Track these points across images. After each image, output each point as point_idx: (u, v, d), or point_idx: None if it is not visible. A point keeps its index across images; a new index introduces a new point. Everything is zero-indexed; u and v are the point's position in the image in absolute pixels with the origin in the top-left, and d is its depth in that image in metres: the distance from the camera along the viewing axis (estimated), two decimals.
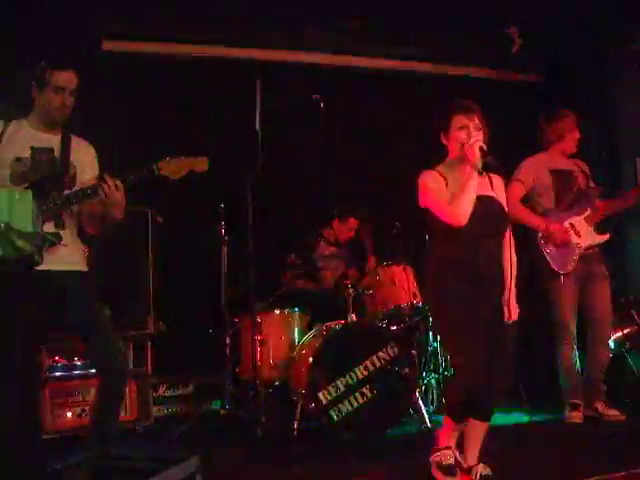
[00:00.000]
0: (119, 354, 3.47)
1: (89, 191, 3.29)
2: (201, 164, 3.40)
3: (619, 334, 5.25)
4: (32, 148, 3.36)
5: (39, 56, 3.42)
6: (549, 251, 4.75)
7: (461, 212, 3.26)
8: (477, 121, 3.37)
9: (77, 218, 3.47)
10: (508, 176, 3.69)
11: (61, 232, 3.30)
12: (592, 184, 4.96)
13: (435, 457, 3.42)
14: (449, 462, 3.38)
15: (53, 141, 3.42)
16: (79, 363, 4.60)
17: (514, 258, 3.49)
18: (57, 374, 4.58)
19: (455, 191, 3.34)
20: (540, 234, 4.76)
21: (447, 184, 3.39)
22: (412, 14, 5.73)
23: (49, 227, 3.26)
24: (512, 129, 6.21)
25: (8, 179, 3.27)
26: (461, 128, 3.36)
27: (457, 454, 3.43)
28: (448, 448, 3.42)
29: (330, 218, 5.90)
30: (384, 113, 6.52)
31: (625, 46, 6.16)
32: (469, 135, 3.34)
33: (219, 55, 6.05)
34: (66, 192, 3.33)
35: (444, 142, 3.47)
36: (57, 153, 3.41)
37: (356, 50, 6.39)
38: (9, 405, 3.08)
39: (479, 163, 3.27)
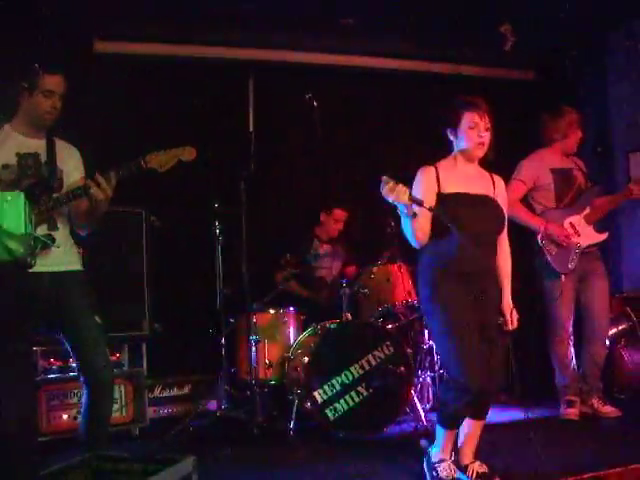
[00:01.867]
0: (105, 365, 3.43)
1: (78, 191, 3.28)
2: (188, 153, 3.37)
3: (613, 331, 5.27)
4: (17, 154, 3.34)
5: (29, 58, 3.41)
6: (550, 251, 4.74)
7: (410, 237, 3.31)
8: (487, 120, 3.36)
9: (68, 218, 3.46)
10: (502, 171, 3.68)
11: (54, 233, 3.30)
12: (590, 182, 4.96)
13: (431, 474, 3.42)
14: (446, 474, 3.37)
15: (38, 146, 3.41)
16: (74, 365, 4.57)
17: (509, 258, 3.49)
18: (52, 376, 4.57)
19: (450, 189, 3.34)
20: (539, 235, 4.76)
21: (439, 180, 3.38)
22: (407, 13, 5.72)
23: (42, 229, 3.26)
24: (507, 127, 6.21)
25: None
26: (472, 127, 3.35)
27: (452, 465, 3.42)
28: (442, 461, 3.41)
29: (317, 214, 5.90)
30: (379, 112, 6.52)
31: (620, 42, 6.17)
32: (479, 134, 3.33)
33: (212, 56, 6.04)
34: (55, 195, 3.32)
35: (451, 137, 3.46)
36: (43, 157, 3.40)
37: (350, 49, 6.38)
38: (2, 406, 3.07)
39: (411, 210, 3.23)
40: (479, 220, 3.31)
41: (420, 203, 3.14)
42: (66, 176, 3.45)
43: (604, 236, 4.85)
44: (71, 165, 3.49)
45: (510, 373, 3.47)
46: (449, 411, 3.36)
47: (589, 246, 4.80)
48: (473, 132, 3.34)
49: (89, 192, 3.22)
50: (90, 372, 3.37)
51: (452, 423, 3.38)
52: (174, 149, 3.35)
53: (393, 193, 3.08)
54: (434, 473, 3.40)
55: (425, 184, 3.38)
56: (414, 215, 3.22)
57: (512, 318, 3.39)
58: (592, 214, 4.81)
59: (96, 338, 3.39)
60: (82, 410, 3.46)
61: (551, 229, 4.72)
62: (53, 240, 3.25)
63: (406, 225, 3.29)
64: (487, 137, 3.35)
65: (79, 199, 3.30)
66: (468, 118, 3.35)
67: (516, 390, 3.42)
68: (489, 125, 3.36)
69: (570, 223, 4.78)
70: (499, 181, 3.51)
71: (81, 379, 3.41)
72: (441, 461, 3.41)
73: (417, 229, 3.27)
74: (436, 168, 3.43)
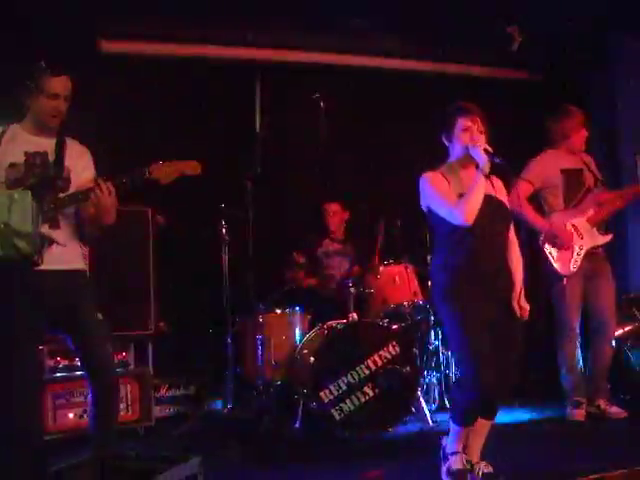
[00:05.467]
0: (109, 361, 3.44)
1: (80, 196, 3.29)
2: (192, 168, 3.39)
3: (620, 332, 5.24)
4: (25, 153, 3.35)
5: (36, 58, 3.41)
6: (551, 253, 4.73)
7: (468, 212, 3.26)
8: (479, 124, 3.40)
9: (74, 218, 3.47)
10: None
11: (56, 232, 3.30)
12: (599, 184, 4.92)
13: (445, 464, 3.43)
14: (458, 467, 3.38)
15: (47, 145, 3.41)
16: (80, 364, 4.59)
17: (519, 255, 3.50)
18: (58, 375, 4.58)
19: (459, 192, 3.35)
20: (542, 237, 4.75)
21: (450, 186, 3.41)
22: (411, 13, 5.72)
23: (44, 228, 3.26)
24: (513, 127, 6.20)
25: (4, 186, 3.27)
26: (464, 131, 3.39)
27: (464, 457, 3.43)
28: (456, 453, 3.42)
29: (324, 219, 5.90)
30: (385, 112, 6.52)
31: (626, 44, 6.15)
32: (472, 138, 3.37)
33: (218, 56, 6.05)
34: (60, 195, 3.33)
35: (446, 143, 3.51)
36: (51, 156, 3.40)
37: (356, 49, 6.38)
38: (9, 405, 3.08)
39: (487, 165, 3.28)
40: (488, 220, 3.33)
41: (493, 155, 3.27)
42: (75, 176, 3.45)
43: (607, 238, 4.82)
44: (80, 165, 3.49)
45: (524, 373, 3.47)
46: (461, 409, 3.39)
47: (593, 248, 4.78)
48: (466, 135, 3.39)
49: (89, 197, 3.24)
50: (94, 370, 3.37)
51: (465, 421, 3.39)
52: (179, 162, 3.36)
53: (482, 138, 3.33)
54: (447, 464, 3.44)
55: (442, 186, 3.40)
56: (487, 176, 3.31)
57: (521, 308, 3.40)
58: (596, 216, 4.78)
59: (100, 336, 3.39)
60: (89, 408, 3.47)
61: (554, 231, 4.71)
62: (54, 240, 3.25)
63: (469, 195, 3.29)
64: (481, 140, 3.37)
65: (81, 203, 3.31)
66: (461, 123, 3.41)
67: (528, 391, 3.40)
68: (482, 129, 3.40)
69: (573, 225, 4.76)
70: (495, 179, 3.53)
71: (86, 376, 3.43)
72: (454, 453, 3.43)
73: (477, 201, 3.27)
74: (441, 173, 3.46)
